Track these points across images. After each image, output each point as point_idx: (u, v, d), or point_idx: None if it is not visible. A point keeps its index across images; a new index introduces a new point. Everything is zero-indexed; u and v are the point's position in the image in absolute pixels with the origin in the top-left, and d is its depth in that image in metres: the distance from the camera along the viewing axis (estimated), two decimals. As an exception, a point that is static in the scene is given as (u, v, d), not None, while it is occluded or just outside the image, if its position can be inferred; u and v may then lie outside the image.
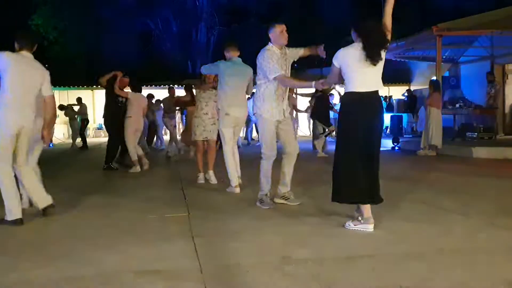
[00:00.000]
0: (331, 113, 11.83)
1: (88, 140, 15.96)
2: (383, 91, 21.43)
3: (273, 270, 2.90)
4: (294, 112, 13.23)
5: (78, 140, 15.12)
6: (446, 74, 15.78)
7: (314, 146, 11.08)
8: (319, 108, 10.54)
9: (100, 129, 21.99)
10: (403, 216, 4.28)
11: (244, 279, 2.77)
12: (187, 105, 10.07)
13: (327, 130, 10.37)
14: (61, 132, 20.05)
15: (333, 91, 12.48)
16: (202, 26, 27.82)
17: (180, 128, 15.81)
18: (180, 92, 12.02)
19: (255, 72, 4.92)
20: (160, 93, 15.31)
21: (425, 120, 10.40)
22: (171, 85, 14.31)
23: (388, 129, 16.94)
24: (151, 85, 19.30)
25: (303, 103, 14.80)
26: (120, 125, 8.09)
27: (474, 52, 14.76)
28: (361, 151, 3.81)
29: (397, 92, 19.40)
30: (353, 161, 3.82)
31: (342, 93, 4.85)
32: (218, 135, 6.29)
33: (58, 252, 3.37)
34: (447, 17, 11.94)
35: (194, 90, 7.81)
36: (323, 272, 2.85)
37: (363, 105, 3.81)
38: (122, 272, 2.92)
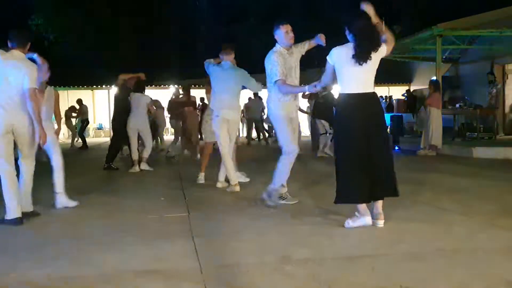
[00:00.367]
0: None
1: (88, 140, 15.97)
2: (383, 91, 21.52)
3: (273, 270, 2.90)
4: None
5: (77, 140, 15.13)
6: (446, 74, 15.78)
7: (313, 147, 11.07)
8: (327, 107, 10.27)
9: (100, 129, 22.01)
10: (403, 216, 4.28)
11: (244, 279, 2.77)
12: (183, 106, 10.09)
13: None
14: (61, 132, 20.06)
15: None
16: (202, 26, 27.84)
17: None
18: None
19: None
20: (161, 93, 15.32)
21: (425, 120, 10.39)
22: (176, 86, 14.34)
23: (388, 129, 16.95)
24: (151, 85, 19.31)
25: (303, 102, 14.79)
26: (125, 123, 8.20)
27: (474, 52, 14.76)
28: (361, 151, 3.82)
29: (397, 92, 19.42)
30: (354, 162, 3.83)
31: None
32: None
33: (58, 252, 3.37)
34: (447, 17, 11.93)
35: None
36: (323, 272, 2.85)
37: (360, 106, 3.83)
38: (122, 272, 2.92)
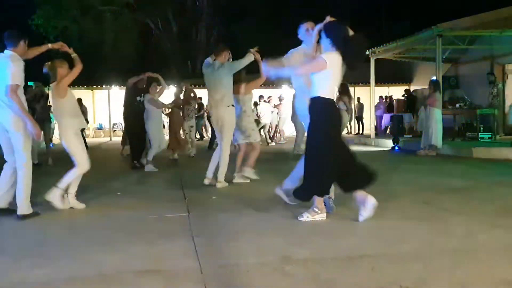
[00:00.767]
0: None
1: (88, 140, 15.96)
2: (383, 91, 21.48)
3: (273, 270, 2.90)
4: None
5: None
6: (446, 74, 15.78)
7: None
8: None
9: (100, 129, 21.99)
10: (403, 216, 4.28)
11: (244, 279, 2.77)
12: (176, 106, 10.10)
13: None
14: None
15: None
16: (202, 26, 27.84)
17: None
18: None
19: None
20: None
21: (425, 120, 10.39)
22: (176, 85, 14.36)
23: (388, 129, 16.95)
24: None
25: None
26: (141, 124, 8.41)
27: (474, 52, 14.76)
28: (337, 150, 4.09)
29: (397, 92, 19.42)
30: (335, 159, 4.06)
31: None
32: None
33: (58, 252, 3.37)
34: (447, 17, 11.93)
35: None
36: (323, 272, 2.85)
37: (336, 110, 4.24)
38: (122, 272, 2.92)
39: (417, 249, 3.30)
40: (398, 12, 24.06)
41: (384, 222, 4.06)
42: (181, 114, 10.81)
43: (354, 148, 6.24)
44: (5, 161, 4.63)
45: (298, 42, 4.81)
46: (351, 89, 13.50)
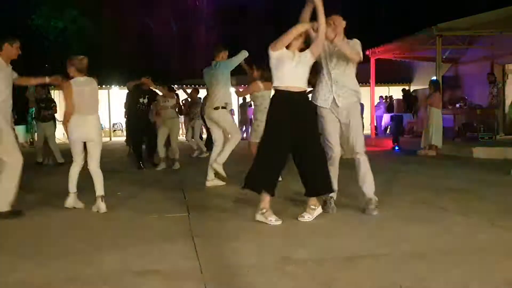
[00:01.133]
0: None
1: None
2: (383, 91, 21.45)
3: (273, 270, 2.90)
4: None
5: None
6: (446, 74, 15.77)
7: None
8: None
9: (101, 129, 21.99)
10: (403, 216, 4.28)
11: (244, 279, 2.77)
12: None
13: None
14: (61, 132, 20.02)
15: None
16: (202, 26, 27.85)
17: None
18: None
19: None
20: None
21: (426, 120, 10.40)
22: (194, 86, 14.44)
23: (388, 129, 16.95)
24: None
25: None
26: (145, 125, 8.66)
27: (474, 52, 14.76)
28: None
29: (397, 92, 19.42)
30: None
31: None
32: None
33: (58, 252, 3.37)
34: (447, 17, 11.93)
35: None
36: (323, 272, 2.85)
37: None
38: (122, 272, 2.92)
39: (417, 249, 3.29)
40: (398, 12, 24.09)
41: (384, 222, 4.06)
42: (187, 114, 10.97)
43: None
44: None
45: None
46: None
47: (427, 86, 10.92)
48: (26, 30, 22.44)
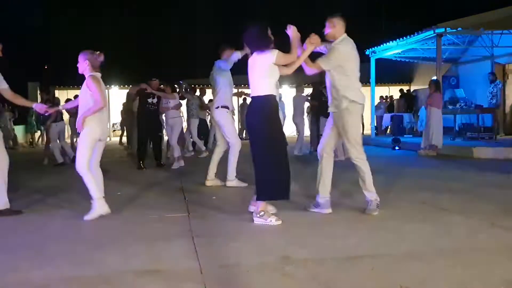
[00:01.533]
0: None
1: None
2: (383, 91, 21.48)
3: (273, 270, 2.90)
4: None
5: (76, 140, 15.16)
6: (446, 74, 15.78)
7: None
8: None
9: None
10: (403, 216, 4.28)
11: (244, 279, 2.77)
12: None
13: None
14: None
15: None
16: (202, 26, 27.86)
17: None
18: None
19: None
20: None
21: (426, 120, 10.40)
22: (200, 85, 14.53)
23: (389, 129, 16.96)
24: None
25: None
26: (155, 125, 8.88)
27: (474, 52, 14.77)
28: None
29: (398, 92, 19.43)
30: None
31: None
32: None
33: (58, 252, 3.37)
34: (447, 17, 11.94)
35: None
36: (323, 272, 2.85)
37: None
38: (122, 272, 2.92)
39: (417, 249, 3.29)
40: (398, 12, 24.10)
41: (384, 222, 4.06)
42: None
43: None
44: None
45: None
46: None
47: (427, 86, 10.92)
48: (26, 30, 22.45)
